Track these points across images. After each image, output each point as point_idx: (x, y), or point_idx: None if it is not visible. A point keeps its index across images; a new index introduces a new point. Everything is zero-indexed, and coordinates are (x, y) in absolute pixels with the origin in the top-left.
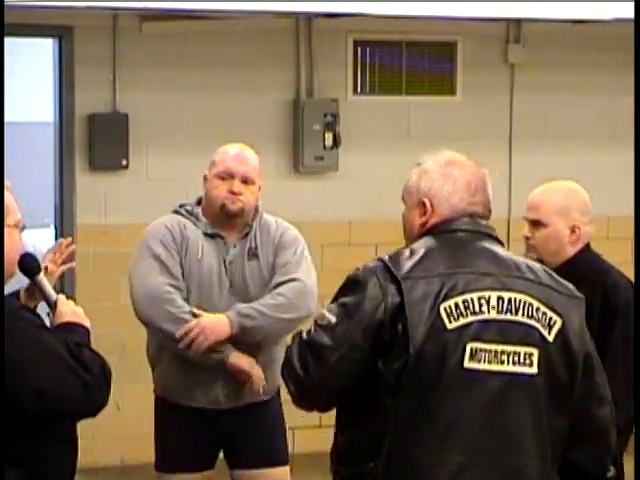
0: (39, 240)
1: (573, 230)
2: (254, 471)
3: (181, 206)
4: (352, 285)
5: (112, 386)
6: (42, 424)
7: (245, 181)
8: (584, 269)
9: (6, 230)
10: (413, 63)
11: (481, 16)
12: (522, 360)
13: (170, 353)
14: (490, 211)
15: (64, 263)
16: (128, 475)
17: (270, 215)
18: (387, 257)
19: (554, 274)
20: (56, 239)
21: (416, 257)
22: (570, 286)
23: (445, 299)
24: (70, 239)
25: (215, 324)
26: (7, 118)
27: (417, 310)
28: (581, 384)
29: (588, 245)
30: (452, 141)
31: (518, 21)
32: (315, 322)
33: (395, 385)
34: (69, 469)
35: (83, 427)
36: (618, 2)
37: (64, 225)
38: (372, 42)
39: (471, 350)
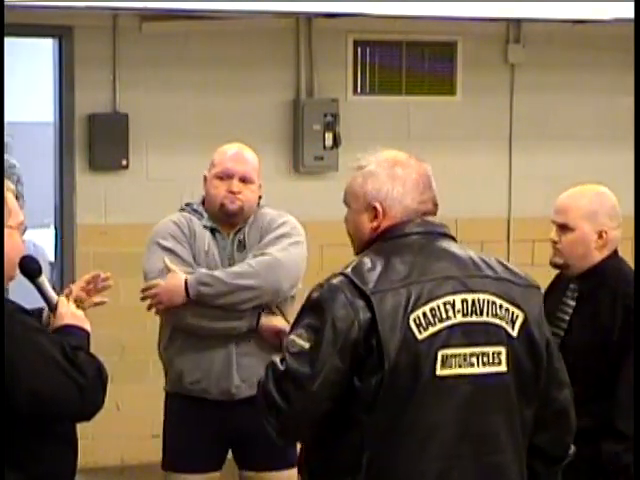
0: (39, 240)
1: (600, 235)
2: (263, 474)
3: (187, 205)
4: (318, 305)
5: (112, 386)
6: (39, 425)
7: (244, 180)
8: (609, 275)
9: (7, 231)
10: (413, 63)
11: (481, 16)
12: (491, 360)
13: (179, 345)
14: (437, 206)
15: (98, 292)
16: (128, 475)
17: (271, 209)
18: (349, 271)
19: (509, 265)
20: (56, 239)
21: (379, 268)
22: (525, 275)
23: (413, 310)
24: (109, 274)
25: (171, 289)
26: (7, 118)
27: (388, 324)
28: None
29: (616, 252)
30: (452, 141)
31: (518, 21)
32: (287, 350)
33: (372, 401)
34: (68, 470)
35: (83, 427)
36: (618, 2)
37: (64, 225)
38: (372, 42)
39: (442, 357)
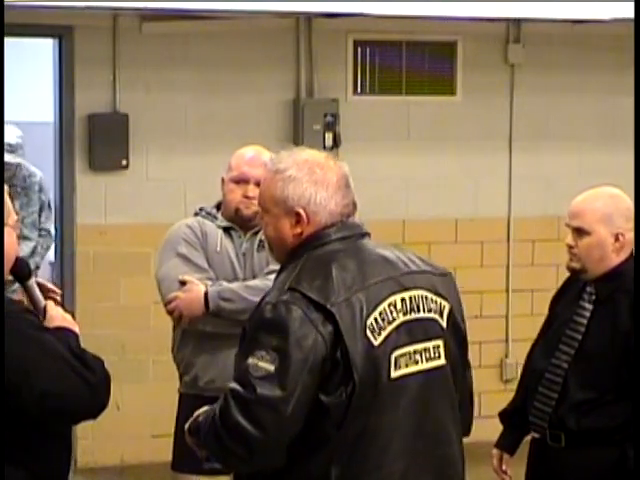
0: None
1: (617, 237)
2: None
3: (201, 209)
4: (276, 325)
5: (112, 386)
6: (43, 423)
7: (259, 184)
8: (627, 278)
9: (6, 229)
10: (413, 63)
11: (481, 16)
12: (432, 355)
13: (192, 347)
14: (356, 206)
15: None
16: (128, 475)
17: None
18: (296, 285)
19: (422, 256)
20: (56, 239)
21: (323, 278)
22: (436, 264)
23: (367, 317)
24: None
25: (191, 302)
26: (7, 118)
27: (351, 335)
28: None
29: (632, 255)
30: (452, 141)
31: (518, 21)
32: (249, 375)
33: (343, 415)
34: (66, 468)
35: (83, 427)
36: (618, 2)
37: (64, 225)
38: (372, 42)
39: (394, 360)
